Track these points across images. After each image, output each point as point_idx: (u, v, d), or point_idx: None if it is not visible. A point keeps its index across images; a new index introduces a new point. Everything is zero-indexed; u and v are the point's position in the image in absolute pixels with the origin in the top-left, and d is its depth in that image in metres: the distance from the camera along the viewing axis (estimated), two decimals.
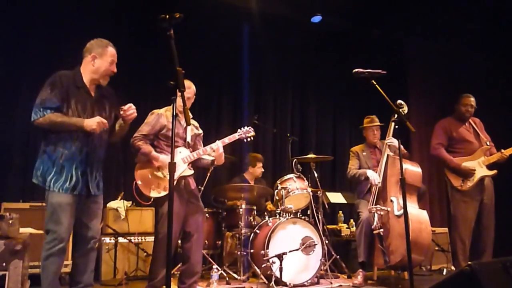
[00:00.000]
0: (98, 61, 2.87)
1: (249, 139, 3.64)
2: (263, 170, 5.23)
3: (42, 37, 4.83)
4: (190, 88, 3.50)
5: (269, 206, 4.94)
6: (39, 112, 2.70)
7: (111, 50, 2.91)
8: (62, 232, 2.68)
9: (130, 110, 2.90)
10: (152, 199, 3.35)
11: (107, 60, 2.88)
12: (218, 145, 3.45)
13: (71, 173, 2.74)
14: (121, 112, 2.90)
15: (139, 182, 3.32)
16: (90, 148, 2.84)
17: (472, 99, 4.42)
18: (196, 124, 3.70)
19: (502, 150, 4.18)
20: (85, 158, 2.81)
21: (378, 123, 4.49)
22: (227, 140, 3.52)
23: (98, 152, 2.91)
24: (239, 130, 3.63)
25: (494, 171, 4.23)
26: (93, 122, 2.74)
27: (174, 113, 2.24)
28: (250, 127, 3.66)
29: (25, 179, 4.50)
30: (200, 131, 3.71)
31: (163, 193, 3.30)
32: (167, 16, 2.22)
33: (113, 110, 3.01)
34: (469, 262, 1.68)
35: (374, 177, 4.10)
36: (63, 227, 2.68)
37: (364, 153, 4.45)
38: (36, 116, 2.71)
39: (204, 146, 3.55)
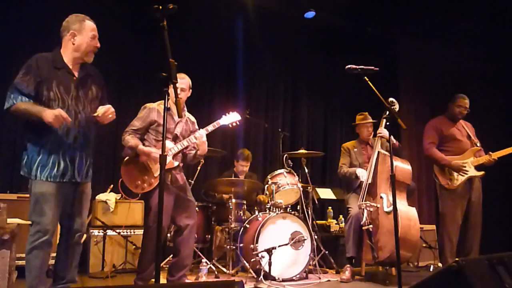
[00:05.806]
0: (78, 37, 2.68)
1: (234, 124, 3.59)
2: (246, 170, 5.14)
3: (28, 27, 4.75)
4: (184, 79, 3.44)
5: (261, 197, 4.89)
6: (10, 100, 2.55)
7: (89, 24, 2.72)
8: (46, 224, 2.52)
9: (107, 115, 2.68)
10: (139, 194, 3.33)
11: (88, 35, 2.69)
12: (201, 133, 3.39)
13: (58, 160, 2.58)
14: (97, 118, 2.69)
15: (124, 179, 3.31)
16: (78, 131, 2.66)
17: (467, 100, 4.40)
18: (193, 119, 3.63)
19: (490, 153, 4.18)
20: (73, 142, 2.64)
21: (372, 120, 4.50)
22: (211, 127, 3.45)
23: (88, 135, 2.73)
24: (223, 116, 3.57)
25: (482, 172, 4.25)
26: (50, 115, 2.46)
27: (166, 105, 2.22)
28: (235, 112, 3.60)
29: (12, 170, 4.45)
30: (196, 127, 3.62)
31: (147, 189, 3.29)
32: (160, 7, 2.20)
33: (99, 91, 2.83)
34: (456, 259, 1.70)
35: (363, 175, 4.12)
36: (47, 218, 2.52)
37: (356, 149, 4.45)
38: (8, 104, 2.56)
39: None
